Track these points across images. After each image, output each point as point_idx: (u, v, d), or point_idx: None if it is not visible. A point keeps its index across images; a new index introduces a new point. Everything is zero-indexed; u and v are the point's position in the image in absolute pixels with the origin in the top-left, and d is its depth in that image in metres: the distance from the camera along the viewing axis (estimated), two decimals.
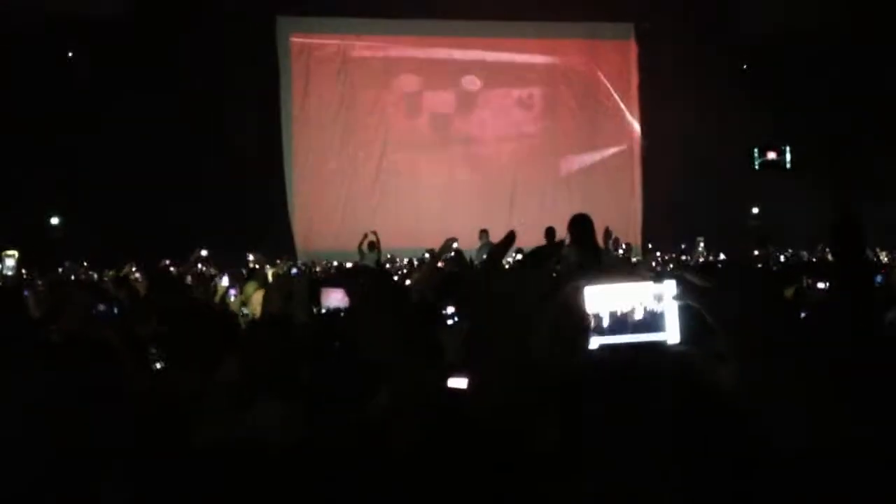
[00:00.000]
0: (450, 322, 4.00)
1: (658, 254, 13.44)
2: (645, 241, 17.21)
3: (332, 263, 11.95)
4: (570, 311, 1.14)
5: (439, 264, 10.84)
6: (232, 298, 5.58)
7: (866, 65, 15.13)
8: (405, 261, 12.60)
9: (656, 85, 17.37)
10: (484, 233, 12.63)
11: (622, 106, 19.03)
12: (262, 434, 2.55)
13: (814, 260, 9.99)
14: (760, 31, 15.41)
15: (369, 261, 11.79)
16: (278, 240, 15.43)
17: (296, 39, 17.95)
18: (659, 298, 1.14)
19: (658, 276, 1.15)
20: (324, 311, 3.24)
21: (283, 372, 2.80)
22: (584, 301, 1.14)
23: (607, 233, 7.94)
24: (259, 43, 16.76)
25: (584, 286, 1.14)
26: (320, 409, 2.47)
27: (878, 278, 7.57)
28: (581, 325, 1.14)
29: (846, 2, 14.05)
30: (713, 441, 0.96)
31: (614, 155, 19.04)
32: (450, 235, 12.12)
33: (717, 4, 16.49)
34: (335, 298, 3.13)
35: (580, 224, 5.44)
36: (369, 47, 18.28)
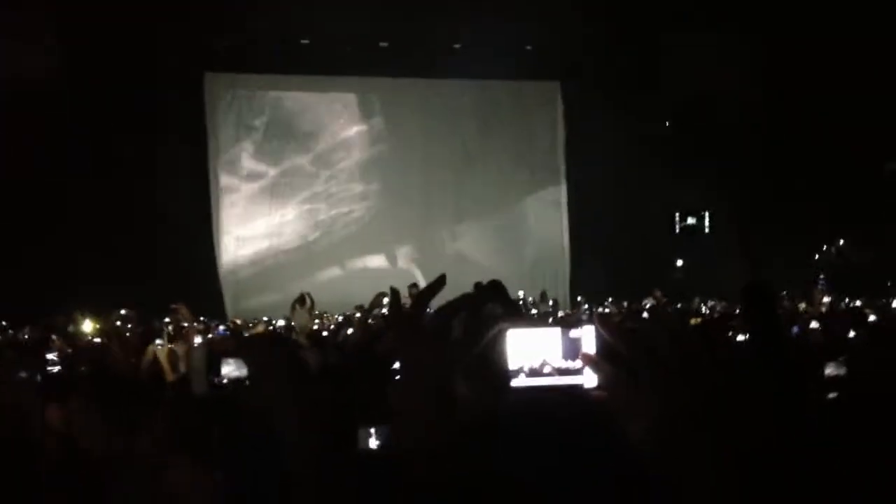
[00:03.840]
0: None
1: (586, 307, 13.60)
2: (573, 294, 17.46)
3: (249, 324, 11.80)
4: (492, 355, 1.14)
5: (369, 321, 10.77)
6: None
7: (784, 132, 15.76)
8: (338, 317, 12.49)
9: (582, 143, 17.79)
10: (414, 287, 12.62)
11: (550, 163, 19.40)
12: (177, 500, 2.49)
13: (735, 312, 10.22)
14: (684, 93, 15.92)
15: (300, 319, 11.64)
16: (208, 299, 15.13)
17: (223, 95, 17.90)
18: (577, 343, 1.15)
19: (576, 322, 1.17)
20: (224, 381, 3.18)
21: (196, 437, 2.74)
22: (505, 345, 1.15)
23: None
24: (188, 100, 16.67)
25: (506, 330, 1.15)
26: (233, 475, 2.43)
27: (795, 329, 7.79)
28: (502, 368, 1.14)
29: (764, 71, 14.64)
30: (616, 494, 0.97)
31: (543, 209, 19.35)
32: (381, 290, 12.08)
33: (642, 66, 17.03)
34: (235, 368, 3.08)
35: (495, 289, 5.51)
36: (299, 104, 18.32)
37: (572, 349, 1.14)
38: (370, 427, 2.54)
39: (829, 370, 3.26)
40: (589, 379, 1.14)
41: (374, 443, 2.58)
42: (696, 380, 1.08)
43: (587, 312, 12.38)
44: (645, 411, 1.07)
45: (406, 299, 1.30)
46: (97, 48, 14.57)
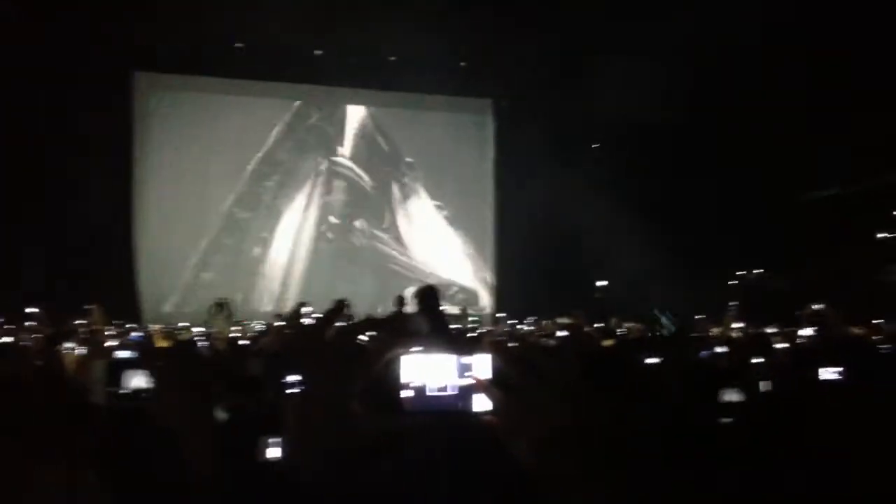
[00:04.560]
0: (291, 391, 3.95)
1: (508, 323, 13.74)
2: (496, 310, 17.65)
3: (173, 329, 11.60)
4: (387, 377, 1.18)
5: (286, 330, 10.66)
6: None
7: (709, 157, 16.24)
8: (255, 326, 12.36)
9: (512, 160, 18.03)
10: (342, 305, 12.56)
11: (480, 178, 19.61)
12: None
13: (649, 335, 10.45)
14: (613, 115, 16.25)
15: (218, 325, 11.47)
16: (124, 301, 14.77)
17: (150, 95, 17.54)
18: (469, 368, 1.19)
19: (470, 349, 1.21)
20: (125, 392, 3.13)
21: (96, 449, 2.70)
22: (400, 368, 1.18)
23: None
24: (114, 98, 16.27)
25: (401, 355, 1.19)
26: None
27: (703, 353, 8.02)
28: (396, 391, 1.18)
29: (690, 96, 15.06)
30: None
31: (471, 224, 19.52)
32: (304, 300, 12.00)
33: (572, 87, 17.35)
34: (137, 379, 3.03)
35: (428, 295, 5.58)
36: (224, 108, 18.11)
37: (464, 374, 1.19)
38: (271, 437, 2.55)
39: (727, 396, 3.38)
40: (481, 404, 1.19)
41: (275, 452, 2.59)
42: (576, 401, 1.14)
43: (507, 330, 12.52)
44: (531, 432, 1.13)
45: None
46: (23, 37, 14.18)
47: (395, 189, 19.15)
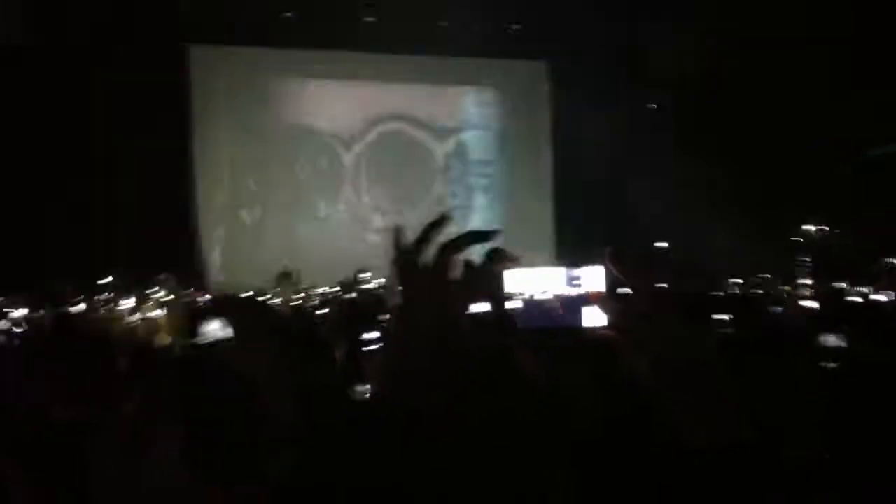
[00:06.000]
0: (370, 348, 3.94)
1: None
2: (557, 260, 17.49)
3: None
4: (493, 293, 1.12)
5: (353, 295, 10.78)
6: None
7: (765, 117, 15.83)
8: (318, 291, 12.46)
9: (569, 120, 17.77)
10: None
11: (537, 136, 19.39)
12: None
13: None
14: (673, 73, 15.91)
15: (285, 292, 11.63)
16: (190, 269, 15.02)
17: (206, 68, 17.63)
18: (580, 282, 1.13)
19: (579, 262, 1.14)
20: (204, 342, 3.13)
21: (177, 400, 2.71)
22: (504, 283, 1.13)
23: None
24: (169, 73, 16.42)
25: (507, 269, 1.13)
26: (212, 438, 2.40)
27: (778, 310, 7.88)
28: (501, 308, 1.12)
29: (744, 57, 14.68)
30: (623, 430, 0.95)
31: (529, 183, 19.35)
32: (363, 265, 12.07)
33: (629, 45, 17.03)
34: (215, 329, 3.02)
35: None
36: (284, 80, 18.13)
37: (573, 284, 1.12)
38: (363, 384, 2.52)
39: (828, 341, 3.28)
40: (593, 318, 1.12)
41: (366, 395, 2.56)
42: (700, 323, 1.08)
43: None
44: (652, 348, 1.06)
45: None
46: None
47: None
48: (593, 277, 1.12)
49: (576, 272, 1.12)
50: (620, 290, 1.10)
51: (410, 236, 1.15)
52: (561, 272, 1.13)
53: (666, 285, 1.09)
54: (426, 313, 1.12)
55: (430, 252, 1.15)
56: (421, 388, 1.10)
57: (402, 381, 1.12)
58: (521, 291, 1.13)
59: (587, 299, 1.12)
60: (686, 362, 1.07)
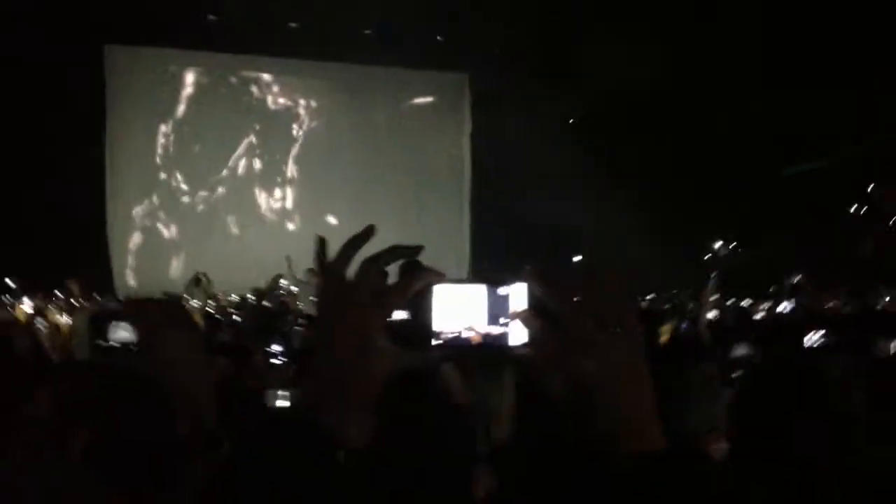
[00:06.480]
0: (276, 361, 3.89)
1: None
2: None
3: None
4: (419, 309, 1.11)
5: (265, 302, 10.63)
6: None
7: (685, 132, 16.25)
8: (232, 297, 12.28)
9: (489, 131, 17.91)
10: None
11: (456, 148, 19.49)
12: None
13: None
14: (594, 88, 16.15)
15: (197, 299, 11.40)
16: (97, 275, 14.57)
17: (121, 68, 17.18)
18: (505, 301, 1.13)
19: (504, 279, 1.14)
20: (111, 345, 3.04)
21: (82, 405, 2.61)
22: (431, 300, 1.12)
23: None
24: (84, 70, 15.94)
25: (433, 284, 1.12)
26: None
27: (684, 325, 8.17)
28: (426, 324, 1.11)
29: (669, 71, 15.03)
30: (541, 444, 0.97)
31: (444, 198, 19.43)
32: (277, 270, 11.92)
33: (552, 60, 17.25)
34: (123, 331, 2.94)
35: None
36: (198, 80, 17.83)
37: (499, 307, 1.13)
38: (279, 389, 2.48)
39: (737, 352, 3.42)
40: (515, 336, 1.13)
41: (282, 402, 2.52)
42: (625, 337, 1.09)
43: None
44: (569, 366, 1.07)
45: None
46: None
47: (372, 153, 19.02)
48: (518, 295, 1.13)
49: (502, 290, 1.13)
50: (541, 307, 1.11)
51: (333, 248, 1.14)
52: (483, 290, 1.13)
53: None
54: (347, 328, 1.11)
55: (352, 266, 1.14)
56: (341, 403, 1.09)
57: (320, 396, 1.11)
58: (443, 330, 1.12)
59: (511, 317, 1.12)
60: (604, 374, 1.09)
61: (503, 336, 1.12)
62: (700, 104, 15.89)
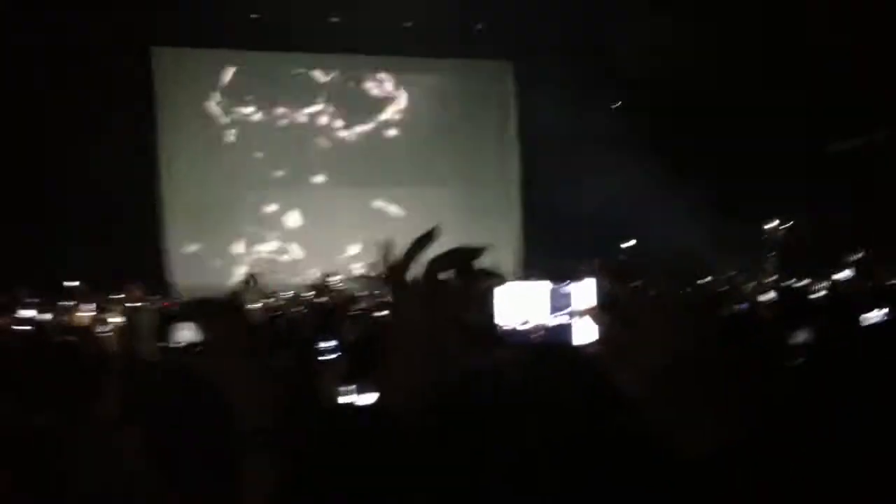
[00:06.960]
0: (329, 357, 3.91)
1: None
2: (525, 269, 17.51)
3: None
4: (483, 310, 1.11)
5: (323, 299, 10.74)
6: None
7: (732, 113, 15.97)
8: (287, 295, 12.41)
9: (535, 119, 17.78)
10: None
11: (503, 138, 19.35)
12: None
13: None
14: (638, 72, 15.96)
15: (250, 298, 11.56)
16: (153, 275, 14.81)
17: (169, 69, 17.39)
18: (567, 299, 1.12)
19: (567, 277, 1.13)
20: (175, 346, 3.07)
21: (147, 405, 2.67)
22: (494, 300, 1.12)
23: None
24: (131, 74, 16.19)
25: (496, 285, 1.12)
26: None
27: (742, 307, 8.02)
28: (492, 323, 1.11)
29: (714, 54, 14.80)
30: (612, 440, 0.95)
31: (495, 183, 19.34)
32: (330, 268, 12.05)
33: (594, 43, 17.06)
34: (185, 332, 2.97)
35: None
36: (247, 79, 17.99)
37: (562, 303, 1.11)
38: (351, 384, 2.49)
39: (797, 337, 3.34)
40: (583, 333, 1.12)
41: (355, 399, 2.54)
42: (696, 331, 1.07)
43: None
44: (641, 359, 1.06)
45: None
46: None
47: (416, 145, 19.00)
48: (583, 292, 1.11)
49: (565, 288, 1.12)
50: (610, 301, 1.10)
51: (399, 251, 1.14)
52: (545, 287, 1.12)
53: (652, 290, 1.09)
54: (417, 327, 1.11)
55: (419, 268, 1.14)
56: (411, 399, 1.09)
57: (393, 391, 1.11)
58: (505, 322, 1.12)
59: (578, 314, 1.11)
60: (676, 368, 1.07)
61: (566, 331, 1.11)
62: (750, 82, 15.59)
